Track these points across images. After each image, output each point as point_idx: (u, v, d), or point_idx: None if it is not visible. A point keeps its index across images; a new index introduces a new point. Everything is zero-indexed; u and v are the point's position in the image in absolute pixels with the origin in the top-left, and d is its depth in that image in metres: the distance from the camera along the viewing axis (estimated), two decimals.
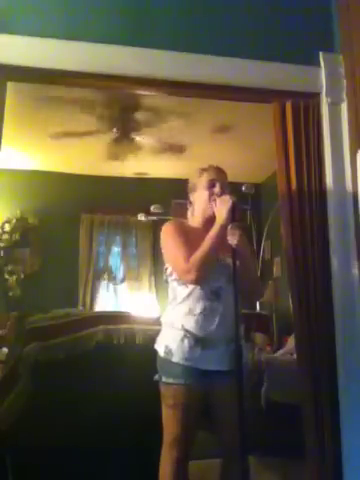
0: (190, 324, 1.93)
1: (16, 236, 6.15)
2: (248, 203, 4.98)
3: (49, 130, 4.99)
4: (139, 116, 4.83)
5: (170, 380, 1.92)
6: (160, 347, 1.98)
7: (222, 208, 1.93)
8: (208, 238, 1.92)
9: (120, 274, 6.61)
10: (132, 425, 2.37)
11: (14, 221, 6.17)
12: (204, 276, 1.92)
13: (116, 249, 6.68)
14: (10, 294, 6.00)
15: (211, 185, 2.05)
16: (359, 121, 2.46)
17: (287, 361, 3.52)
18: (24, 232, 6.18)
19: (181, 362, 1.91)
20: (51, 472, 2.30)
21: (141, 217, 6.10)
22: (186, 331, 1.92)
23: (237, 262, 1.86)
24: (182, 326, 1.93)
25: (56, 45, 2.32)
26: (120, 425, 2.36)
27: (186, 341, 1.91)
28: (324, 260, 2.47)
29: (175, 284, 2.01)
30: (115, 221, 6.58)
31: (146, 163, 5.92)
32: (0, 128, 2.29)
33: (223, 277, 1.96)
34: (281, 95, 2.58)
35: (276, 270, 6.09)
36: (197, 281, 1.92)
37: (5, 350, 4.05)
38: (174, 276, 2.01)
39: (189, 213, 2.16)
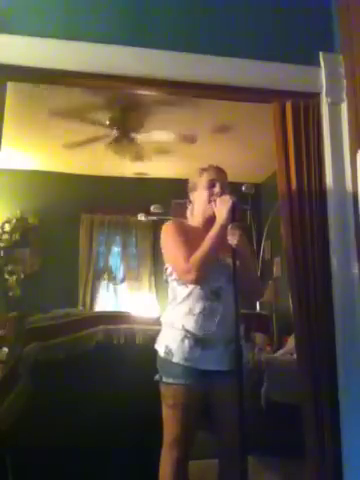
0: (190, 324, 1.93)
1: (16, 236, 6.16)
2: (248, 203, 4.98)
3: (54, 137, 5.02)
4: (139, 116, 4.83)
5: (170, 380, 1.92)
6: (160, 347, 1.98)
7: (222, 208, 1.93)
8: (208, 238, 1.92)
9: (120, 274, 6.62)
10: (132, 425, 2.37)
11: (14, 221, 6.17)
12: (204, 276, 1.92)
13: (116, 249, 6.69)
14: (10, 294, 6.01)
15: (211, 185, 2.05)
16: (359, 121, 2.46)
17: (287, 361, 3.52)
18: (24, 232, 6.19)
19: (181, 362, 1.91)
20: (51, 472, 2.30)
21: (141, 217, 6.11)
22: (186, 331, 1.92)
23: (237, 262, 1.86)
24: (182, 326, 1.93)
25: (56, 45, 2.32)
26: (120, 425, 2.36)
27: (186, 341, 1.91)
28: (324, 260, 2.47)
29: (175, 284, 2.01)
30: (115, 221, 6.59)
31: (146, 163, 5.92)
32: (0, 128, 2.29)
33: (223, 277, 1.96)
34: (281, 95, 2.58)
35: (276, 270, 6.09)
36: (197, 281, 1.92)
37: (5, 350, 4.06)
38: (174, 276, 2.01)
39: (188, 212, 2.16)
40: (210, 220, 1.99)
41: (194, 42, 2.49)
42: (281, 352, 4.20)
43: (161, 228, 2.06)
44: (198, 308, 1.94)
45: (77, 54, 2.34)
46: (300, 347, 2.45)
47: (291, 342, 3.90)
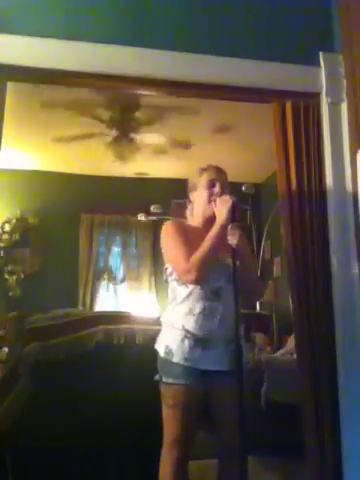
0: (190, 324, 1.93)
1: (16, 236, 6.16)
2: (248, 203, 4.98)
3: (50, 132, 5.00)
4: (139, 116, 4.83)
5: (170, 380, 1.92)
6: (160, 347, 1.98)
7: (222, 208, 1.93)
8: (208, 238, 1.92)
9: (120, 274, 6.62)
10: (132, 425, 2.37)
11: (14, 221, 6.17)
12: (204, 276, 1.92)
13: (116, 249, 6.69)
14: (10, 294, 6.00)
15: (211, 185, 2.04)
16: (359, 121, 2.46)
17: (287, 361, 3.52)
18: (24, 232, 6.18)
19: (181, 362, 1.91)
20: (51, 472, 2.30)
21: (141, 217, 6.10)
22: (186, 331, 1.92)
23: (237, 262, 1.86)
24: (182, 326, 1.93)
25: (56, 45, 2.32)
26: (120, 425, 2.36)
27: (186, 341, 1.91)
28: (324, 260, 2.47)
29: (175, 284, 2.01)
30: (115, 221, 6.59)
31: (146, 163, 5.92)
32: (0, 128, 2.29)
33: (223, 277, 1.96)
34: (281, 95, 2.58)
35: (276, 270, 6.09)
36: (197, 281, 1.92)
37: (5, 350, 4.06)
38: (174, 276, 2.01)
39: (188, 212, 2.16)
40: (210, 220, 1.99)
41: (194, 42, 2.49)
42: (281, 352, 4.20)
43: (161, 228, 2.06)
44: (198, 308, 1.94)
45: (77, 54, 2.35)
46: (300, 347, 2.45)
47: (291, 342, 3.90)
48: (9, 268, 6.10)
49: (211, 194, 2.03)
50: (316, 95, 2.59)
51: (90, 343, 2.45)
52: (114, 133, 5.00)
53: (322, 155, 2.55)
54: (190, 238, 1.96)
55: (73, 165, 6.00)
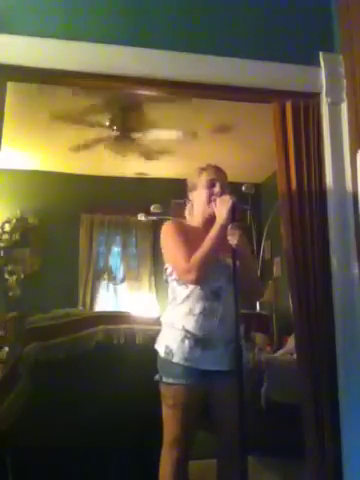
0: (190, 324, 1.93)
1: (16, 236, 6.16)
2: (248, 203, 4.98)
3: (66, 143, 5.03)
4: (139, 116, 4.83)
5: (170, 380, 1.92)
6: (160, 347, 1.98)
7: (222, 208, 1.93)
8: (208, 238, 1.91)
9: (120, 274, 6.62)
10: (132, 425, 2.37)
11: (14, 221, 6.18)
12: (204, 276, 1.92)
13: (116, 249, 6.69)
14: (10, 294, 6.01)
15: (211, 185, 2.04)
16: (359, 121, 2.46)
17: (287, 361, 3.52)
18: (24, 232, 6.19)
19: (181, 362, 1.90)
20: (51, 472, 2.30)
21: (141, 217, 6.11)
22: (186, 331, 1.92)
23: (237, 262, 1.86)
24: (182, 327, 1.93)
25: (56, 45, 2.32)
26: (120, 425, 2.36)
27: (186, 341, 1.91)
28: (324, 260, 2.47)
29: (175, 284, 2.01)
30: (115, 221, 6.59)
31: (146, 163, 5.92)
32: (0, 128, 2.29)
33: (223, 277, 1.96)
34: (281, 95, 2.58)
35: (276, 270, 6.09)
36: (197, 281, 1.92)
37: (5, 350, 4.06)
38: (174, 276, 2.01)
39: (186, 211, 2.16)
40: (210, 220, 1.99)
41: (194, 42, 2.49)
42: (281, 352, 4.20)
43: (161, 228, 2.06)
44: (198, 308, 1.94)
45: (77, 54, 2.35)
46: (300, 347, 2.45)
47: (291, 342, 3.90)
48: (9, 268, 6.10)
49: (211, 194, 2.03)
50: (316, 95, 2.59)
51: (90, 343, 2.45)
52: (114, 133, 5.00)
53: (322, 155, 2.55)
54: (190, 238, 1.96)
55: (73, 165, 6.00)
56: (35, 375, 2.37)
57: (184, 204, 2.18)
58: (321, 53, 2.58)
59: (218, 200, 1.97)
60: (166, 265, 2.06)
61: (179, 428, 1.90)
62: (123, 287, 6.58)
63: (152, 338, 2.06)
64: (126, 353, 2.45)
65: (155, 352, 2.00)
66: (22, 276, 6.10)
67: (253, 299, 3.62)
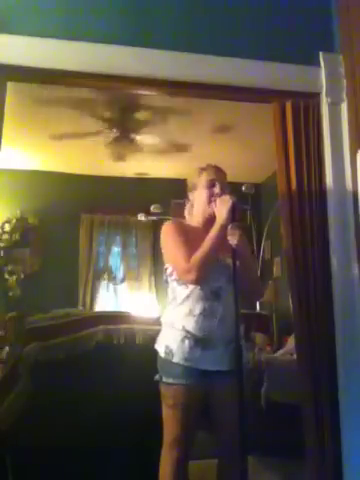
0: (190, 325, 1.93)
1: (16, 236, 6.16)
2: (248, 203, 4.98)
3: (49, 131, 5.00)
4: (139, 116, 4.83)
5: (170, 380, 1.92)
6: (160, 347, 1.98)
7: (222, 208, 1.93)
8: (208, 238, 1.91)
9: (120, 274, 6.61)
10: (132, 425, 2.37)
11: (14, 221, 6.17)
12: (204, 276, 1.92)
13: (116, 249, 6.68)
14: (10, 294, 6.00)
15: (211, 185, 2.04)
16: (359, 121, 2.46)
17: (287, 361, 3.52)
18: (24, 232, 6.18)
19: (181, 362, 1.90)
20: (51, 472, 2.30)
21: (141, 217, 6.10)
22: (186, 332, 1.92)
23: (237, 262, 1.86)
24: (183, 327, 1.93)
25: (56, 45, 2.32)
26: (120, 425, 2.36)
27: (186, 341, 1.91)
28: (324, 260, 2.47)
29: (175, 284, 2.01)
30: (115, 221, 6.59)
31: (146, 163, 5.92)
32: (0, 128, 2.29)
33: (223, 277, 1.96)
34: (281, 95, 2.58)
35: (276, 270, 6.09)
36: (197, 281, 1.92)
37: (6, 350, 4.06)
38: (174, 276, 2.01)
39: (186, 211, 2.16)
40: (210, 220, 1.99)
41: (194, 42, 2.49)
42: (281, 352, 4.20)
43: (161, 228, 2.06)
44: (198, 309, 1.94)
45: (77, 54, 2.34)
46: (300, 347, 2.45)
47: (291, 342, 3.90)
48: (9, 268, 6.10)
49: (211, 194, 2.03)
50: (316, 95, 2.59)
51: (90, 343, 2.45)
52: (114, 133, 5.00)
53: (322, 155, 2.55)
54: (190, 238, 1.96)
55: (73, 165, 6.00)
56: (35, 375, 2.38)
57: (184, 204, 2.18)
58: (321, 53, 2.58)
59: (218, 200, 1.97)
60: (166, 265, 2.06)
61: (179, 428, 1.90)
62: (123, 287, 6.58)
63: (152, 338, 2.06)
64: (126, 353, 2.46)
65: (155, 352, 2.00)
66: (22, 276, 6.09)
67: (253, 299, 3.61)
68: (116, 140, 5.03)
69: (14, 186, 5.73)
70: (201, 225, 2.06)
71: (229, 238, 1.91)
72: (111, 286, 6.54)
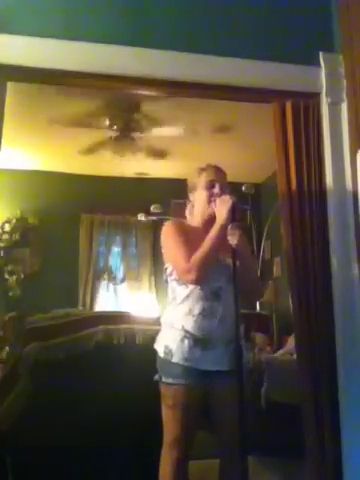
0: (190, 325, 1.93)
1: (16, 236, 6.15)
2: (248, 203, 4.98)
3: (49, 131, 5.01)
4: (139, 116, 4.83)
5: (170, 380, 1.92)
6: (160, 347, 1.98)
7: (222, 208, 1.93)
8: (208, 238, 1.92)
9: (120, 274, 6.61)
10: (132, 425, 2.37)
11: (14, 221, 6.17)
12: (204, 276, 1.92)
13: (116, 249, 6.68)
14: (10, 294, 6.00)
15: (210, 186, 2.04)
16: (359, 121, 2.46)
17: (287, 361, 3.52)
18: (24, 232, 6.18)
19: (181, 362, 1.90)
20: (51, 472, 2.30)
21: (141, 217, 6.10)
22: (186, 331, 1.92)
23: (237, 262, 1.86)
24: (182, 327, 1.93)
25: (56, 45, 2.32)
26: (120, 425, 2.36)
27: (186, 341, 1.91)
28: (324, 260, 2.47)
29: (175, 284, 2.01)
30: (115, 221, 6.58)
31: (146, 163, 5.92)
32: (0, 128, 2.29)
33: (223, 277, 1.96)
34: (281, 95, 2.58)
35: (276, 270, 6.09)
36: (197, 281, 1.92)
37: (6, 349, 4.06)
38: (174, 276, 2.01)
39: (187, 212, 2.16)
40: (210, 220, 1.99)
41: (194, 42, 2.49)
42: (281, 352, 4.20)
43: (161, 228, 2.06)
44: (198, 309, 1.94)
45: (77, 54, 2.34)
46: (300, 347, 2.45)
47: (291, 342, 3.90)
48: (9, 268, 6.10)
49: (210, 195, 2.03)
50: (316, 95, 2.59)
51: (90, 343, 2.45)
52: (114, 133, 5.00)
53: (322, 155, 2.55)
54: (190, 238, 1.96)
55: (73, 165, 6.00)
56: (35, 375, 2.38)
57: (184, 204, 2.18)
58: (321, 53, 2.58)
59: (218, 200, 1.97)
60: (166, 265, 2.06)
61: (179, 428, 1.90)
62: (123, 287, 6.57)
63: (152, 338, 2.06)
64: (126, 353, 2.46)
65: (155, 352, 2.00)
66: (22, 276, 6.09)
67: (253, 299, 3.62)
68: (116, 140, 5.03)
69: (14, 186, 5.73)
70: (201, 225, 2.06)
71: (229, 238, 1.91)
72: (111, 286, 6.54)
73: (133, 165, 5.92)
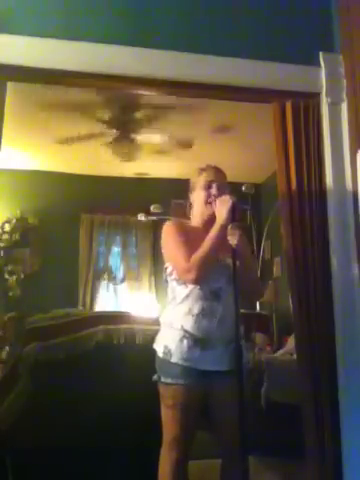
0: (189, 324, 1.93)
1: (16, 236, 6.16)
2: (248, 203, 4.98)
3: (50, 131, 5.01)
4: (139, 116, 4.83)
5: (169, 380, 1.92)
6: (159, 347, 1.98)
7: (222, 208, 1.93)
8: (208, 238, 1.92)
9: (120, 274, 6.62)
10: (132, 425, 2.37)
11: (14, 221, 6.17)
12: (204, 276, 1.92)
13: (116, 249, 6.69)
14: (10, 294, 6.00)
15: (208, 186, 2.05)
16: (359, 121, 2.46)
17: (287, 361, 3.52)
18: (24, 232, 6.18)
19: (180, 362, 1.90)
20: (51, 472, 2.30)
21: (141, 217, 6.10)
22: (185, 331, 1.92)
23: (237, 262, 1.86)
24: (181, 326, 1.93)
25: (56, 45, 2.32)
26: (120, 425, 2.36)
27: (185, 341, 1.91)
28: (324, 260, 2.47)
29: (174, 284, 2.01)
30: (115, 221, 6.59)
31: (146, 163, 5.92)
32: (0, 128, 2.29)
33: (223, 277, 1.96)
34: (281, 95, 2.58)
35: (276, 270, 6.09)
36: (197, 281, 1.92)
37: (6, 349, 4.06)
38: (174, 276, 2.01)
39: (188, 212, 2.16)
40: (210, 220, 1.99)
41: (194, 42, 2.49)
42: (281, 352, 4.20)
43: (161, 228, 2.06)
44: (197, 309, 1.94)
45: (77, 54, 2.34)
46: (300, 347, 2.45)
47: (291, 342, 3.90)
48: (9, 268, 6.10)
49: (208, 195, 2.03)
50: (316, 95, 2.59)
51: (90, 343, 2.45)
52: (114, 133, 5.00)
53: (322, 155, 2.55)
54: (190, 238, 1.96)
55: (73, 165, 6.00)
56: (35, 375, 2.37)
57: (185, 204, 2.18)
58: (321, 53, 2.58)
59: (218, 200, 1.97)
60: (166, 264, 2.06)
61: (178, 428, 1.90)
62: (123, 287, 6.58)
63: (152, 338, 2.06)
64: (126, 353, 2.45)
65: (155, 352, 2.00)
66: (22, 276, 6.10)
67: (253, 299, 3.62)
68: (116, 140, 5.03)
69: (14, 186, 5.73)
70: (201, 225, 2.06)
71: (229, 238, 1.91)
72: (111, 286, 6.54)
73: (133, 165, 5.92)
